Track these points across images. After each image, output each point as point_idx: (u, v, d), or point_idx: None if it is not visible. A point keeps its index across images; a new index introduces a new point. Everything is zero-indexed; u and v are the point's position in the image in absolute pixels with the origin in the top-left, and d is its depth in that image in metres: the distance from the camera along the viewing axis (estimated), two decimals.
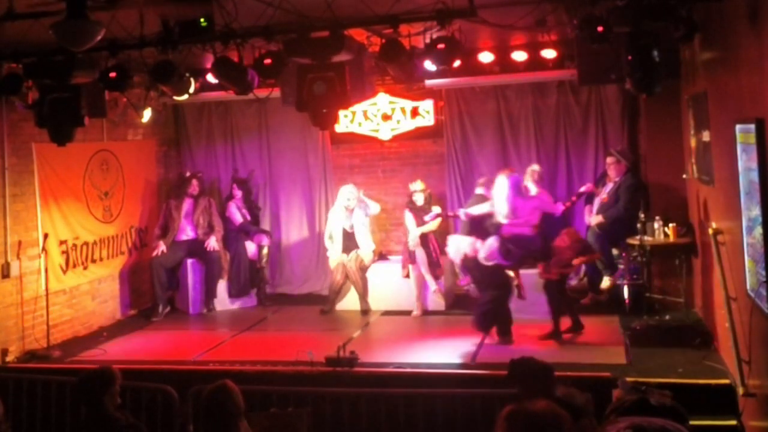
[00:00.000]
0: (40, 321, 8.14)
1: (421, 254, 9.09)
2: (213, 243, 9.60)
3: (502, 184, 7.90)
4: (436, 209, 9.35)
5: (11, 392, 6.72)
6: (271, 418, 5.37)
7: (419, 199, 9.25)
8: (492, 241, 7.57)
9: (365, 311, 9.27)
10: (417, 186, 9.31)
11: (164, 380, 6.50)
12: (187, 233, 9.71)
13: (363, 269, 9.38)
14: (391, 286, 9.30)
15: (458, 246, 7.89)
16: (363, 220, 9.49)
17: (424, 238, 9.16)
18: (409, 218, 9.29)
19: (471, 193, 10.02)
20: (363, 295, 9.35)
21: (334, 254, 9.46)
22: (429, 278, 9.09)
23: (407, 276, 9.15)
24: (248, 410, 5.60)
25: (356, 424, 6.16)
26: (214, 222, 9.81)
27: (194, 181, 9.80)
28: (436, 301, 9.19)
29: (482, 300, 7.76)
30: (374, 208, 9.63)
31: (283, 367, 7.08)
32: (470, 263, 7.79)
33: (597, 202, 8.75)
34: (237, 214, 9.93)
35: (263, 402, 5.78)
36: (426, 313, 9.08)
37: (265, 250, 10.04)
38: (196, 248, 9.66)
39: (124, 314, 9.59)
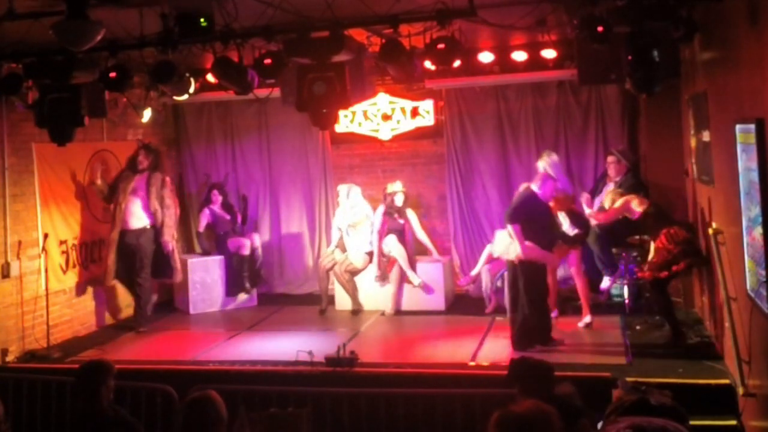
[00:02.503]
0: (40, 321, 8.14)
1: (400, 250, 9.10)
2: (169, 239, 9.02)
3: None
4: (410, 213, 9.37)
5: (11, 392, 6.73)
6: (271, 418, 5.37)
7: (399, 200, 9.25)
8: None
9: (355, 311, 9.25)
10: (397, 186, 9.32)
11: (164, 380, 6.51)
12: (139, 219, 8.90)
13: (352, 272, 9.33)
14: (390, 287, 9.26)
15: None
16: (357, 221, 9.46)
17: (401, 235, 9.19)
18: (378, 217, 9.31)
19: (471, 192, 10.05)
20: (352, 297, 9.32)
21: (329, 248, 9.55)
22: (411, 274, 9.11)
23: (383, 277, 9.20)
24: (248, 410, 5.64)
25: (356, 424, 6.17)
26: (167, 207, 9.02)
27: (140, 151, 9.00)
28: (436, 301, 9.19)
29: (526, 315, 7.33)
30: (355, 216, 9.46)
31: (283, 367, 7.08)
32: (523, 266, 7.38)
33: (597, 201, 8.74)
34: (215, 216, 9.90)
35: (263, 402, 5.79)
36: (399, 312, 9.11)
37: (258, 251, 9.99)
38: (149, 238, 8.95)
39: (124, 314, 9.57)
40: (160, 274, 9.17)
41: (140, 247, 8.85)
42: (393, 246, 9.13)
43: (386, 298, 9.22)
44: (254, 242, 10.00)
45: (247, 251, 9.83)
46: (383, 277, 9.21)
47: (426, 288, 9.17)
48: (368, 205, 9.66)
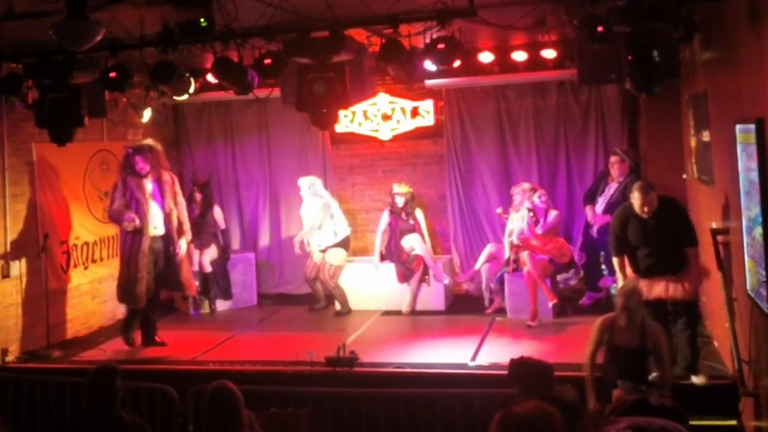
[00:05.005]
0: (40, 321, 8.14)
1: (424, 248, 9.13)
2: (184, 246, 8.25)
3: None
4: (419, 213, 9.39)
5: (11, 392, 6.74)
6: (271, 418, 5.37)
7: (399, 202, 9.27)
8: None
9: (341, 313, 9.28)
10: (396, 188, 9.36)
11: (164, 380, 6.51)
12: (159, 225, 8.09)
13: (333, 277, 9.33)
14: (390, 286, 9.27)
15: None
16: (317, 216, 9.39)
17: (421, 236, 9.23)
18: (383, 219, 9.35)
19: (471, 193, 10.06)
20: (342, 302, 9.33)
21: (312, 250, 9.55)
22: (441, 272, 9.13)
23: (407, 276, 9.18)
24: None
25: (356, 424, 6.17)
26: (179, 204, 8.32)
27: (137, 158, 7.99)
28: (436, 301, 9.20)
29: None
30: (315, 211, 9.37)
31: (283, 367, 7.09)
32: None
33: (600, 201, 8.75)
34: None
35: (263, 402, 5.78)
36: (401, 312, 9.10)
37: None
38: (163, 246, 8.13)
39: (124, 314, 9.56)
40: (170, 285, 8.47)
41: (159, 256, 8.11)
42: (417, 244, 9.14)
43: (390, 298, 9.24)
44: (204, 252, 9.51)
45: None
46: (407, 277, 9.18)
47: (447, 285, 9.23)
48: (329, 195, 9.63)
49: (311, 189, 9.49)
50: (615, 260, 6.57)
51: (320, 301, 9.51)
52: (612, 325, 5.64)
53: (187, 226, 8.41)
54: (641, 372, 5.43)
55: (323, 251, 9.34)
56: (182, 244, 8.24)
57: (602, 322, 5.71)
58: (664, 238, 6.20)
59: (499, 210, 9.12)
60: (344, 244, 9.44)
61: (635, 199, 6.19)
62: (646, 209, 6.15)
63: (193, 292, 8.82)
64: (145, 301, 8.00)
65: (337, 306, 9.35)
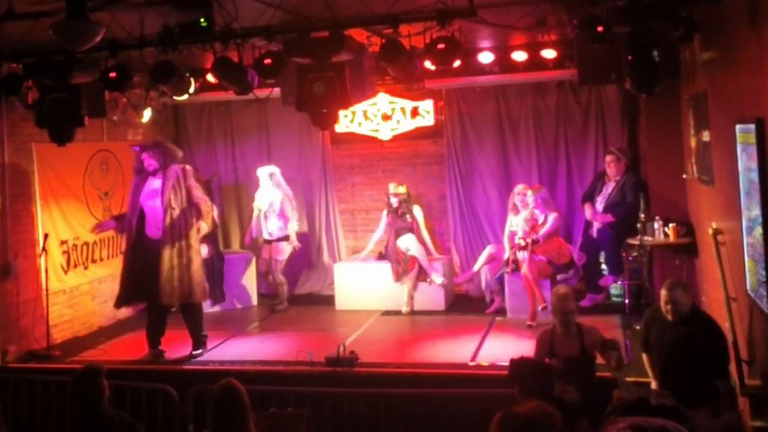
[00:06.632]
0: (40, 321, 8.14)
1: (419, 249, 9.13)
2: (204, 228, 7.74)
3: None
4: (417, 210, 9.42)
5: (11, 392, 6.75)
6: (270, 418, 5.37)
7: (394, 202, 9.31)
8: None
9: (274, 309, 9.50)
10: (390, 188, 9.39)
11: (164, 380, 6.52)
12: (159, 228, 7.53)
13: (280, 272, 9.52)
14: (390, 286, 9.27)
15: None
16: (286, 206, 9.55)
17: (419, 235, 9.26)
18: (382, 218, 9.41)
19: (471, 193, 10.06)
20: (281, 298, 9.54)
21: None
22: (433, 272, 9.13)
23: (401, 276, 9.19)
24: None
25: (356, 424, 6.18)
26: (199, 204, 7.65)
27: (144, 156, 7.58)
28: (436, 301, 9.20)
29: None
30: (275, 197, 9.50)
31: (283, 367, 7.10)
32: None
33: (599, 201, 8.75)
34: None
35: (263, 402, 5.78)
36: (401, 312, 9.11)
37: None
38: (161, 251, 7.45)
39: (125, 314, 9.58)
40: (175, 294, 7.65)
41: (156, 261, 7.45)
42: (412, 245, 9.15)
43: (390, 298, 9.22)
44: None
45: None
46: (401, 276, 9.19)
47: (445, 285, 9.23)
48: (286, 185, 9.73)
49: (273, 179, 9.60)
50: (644, 356, 5.85)
51: (283, 302, 9.59)
52: (552, 336, 5.63)
53: (206, 207, 7.74)
54: (587, 378, 5.40)
55: (270, 242, 9.54)
56: (203, 226, 7.69)
57: (542, 335, 5.70)
58: (684, 356, 5.28)
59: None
60: (286, 237, 9.57)
61: (661, 296, 5.44)
62: (669, 308, 5.32)
63: (206, 298, 8.00)
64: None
65: (278, 301, 9.54)
